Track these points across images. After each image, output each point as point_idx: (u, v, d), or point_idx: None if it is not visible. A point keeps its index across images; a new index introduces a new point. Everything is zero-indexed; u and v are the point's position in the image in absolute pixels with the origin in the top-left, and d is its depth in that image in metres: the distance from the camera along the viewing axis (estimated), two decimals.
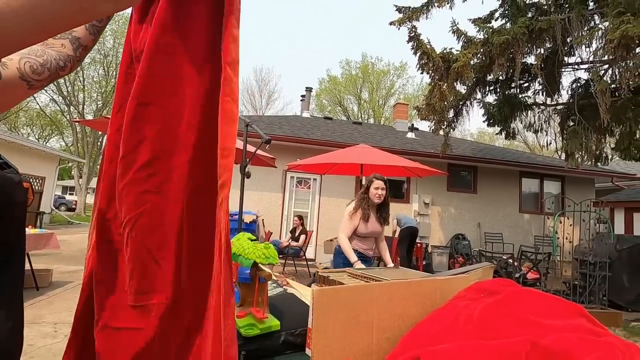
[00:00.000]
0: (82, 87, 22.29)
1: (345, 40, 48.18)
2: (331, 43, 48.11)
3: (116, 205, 0.74)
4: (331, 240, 6.71)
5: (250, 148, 4.57)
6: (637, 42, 4.26)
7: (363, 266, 2.70)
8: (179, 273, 0.72)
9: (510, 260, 6.35)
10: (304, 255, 6.93)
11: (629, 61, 4.40)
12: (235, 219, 9.54)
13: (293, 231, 7.45)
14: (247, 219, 8.30)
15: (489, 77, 6.25)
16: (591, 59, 5.53)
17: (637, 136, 6.44)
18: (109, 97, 21.83)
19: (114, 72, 21.39)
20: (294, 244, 6.87)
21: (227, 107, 0.64)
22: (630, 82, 4.68)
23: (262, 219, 8.81)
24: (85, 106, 22.91)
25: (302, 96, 14.49)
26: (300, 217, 7.40)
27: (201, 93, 0.71)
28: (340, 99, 28.47)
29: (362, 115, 27.89)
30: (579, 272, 5.95)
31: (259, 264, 1.23)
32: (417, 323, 0.65)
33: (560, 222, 7.87)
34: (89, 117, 21.45)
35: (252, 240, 1.31)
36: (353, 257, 2.72)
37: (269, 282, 1.39)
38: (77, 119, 21.17)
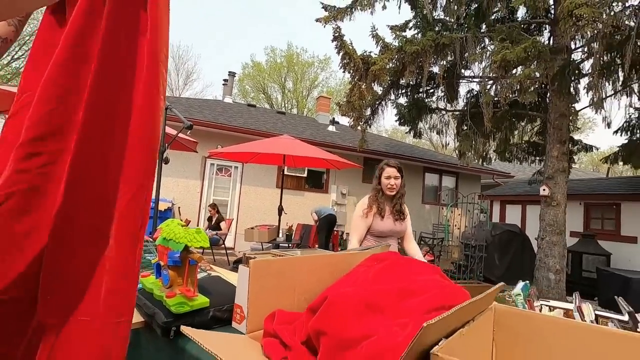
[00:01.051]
0: None
1: (271, 28, 47.29)
2: (256, 28, 46.76)
3: None
4: (252, 228, 6.78)
5: (171, 132, 4.38)
6: (513, 65, 5.20)
7: None
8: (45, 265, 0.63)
9: None
10: (224, 244, 6.88)
11: (507, 80, 5.34)
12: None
13: (210, 219, 7.31)
14: (162, 206, 7.85)
15: (402, 81, 6.93)
16: (481, 74, 6.52)
17: (511, 142, 7.84)
18: None
19: None
20: (211, 233, 6.76)
21: (156, 101, 0.64)
22: (507, 97, 5.69)
23: (179, 207, 8.41)
24: None
25: (225, 80, 13.98)
26: (214, 206, 7.29)
27: (113, 84, 0.66)
28: (264, 86, 28.03)
29: (286, 105, 27.94)
30: (464, 254, 7.09)
31: (190, 248, 1.32)
32: (329, 286, 0.85)
33: (452, 212, 9.19)
34: None
35: (182, 226, 1.40)
36: None
37: None
38: None
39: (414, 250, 2.40)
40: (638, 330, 0.88)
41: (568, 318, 0.89)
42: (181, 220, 1.46)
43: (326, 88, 28.33)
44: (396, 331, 0.51)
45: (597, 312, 1.06)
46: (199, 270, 1.68)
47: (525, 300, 0.90)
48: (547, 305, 1.00)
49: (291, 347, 0.58)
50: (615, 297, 1.05)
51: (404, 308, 0.58)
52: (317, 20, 6.44)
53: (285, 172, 8.43)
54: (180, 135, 4.30)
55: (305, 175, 9.89)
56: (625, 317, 0.99)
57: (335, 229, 7.95)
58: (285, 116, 13.68)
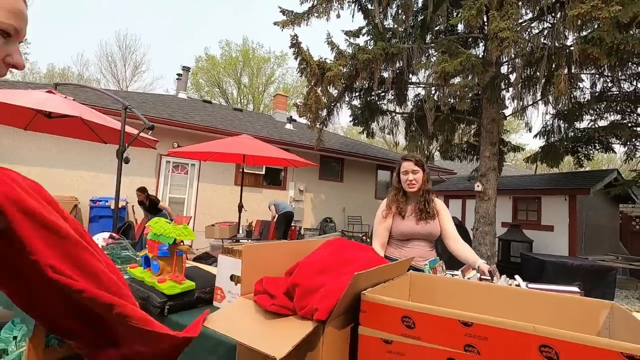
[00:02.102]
0: None
1: (225, 21, 46.01)
2: (210, 20, 45.27)
3: None
4: (213, 225, 6.89)
5: (130, 131, 4.42)
6: (451, 75, 5.86)
7: None
8: None
9: (364, 237, 7.78)
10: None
11: (445, 88, 6.00)
12: (100, 205, 8.65)
13: (142, 204, 6.76)
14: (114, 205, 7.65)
15: (355, 85, 7.40)
16: (426, 81, 7.18)
17: (452, 143, 8.68)
18: None
19: None
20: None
21: None
22: (447, 104, 6.37)
23: (132, 206, 8.23)
24: None
25: (179, 75, 13.64)
26: (143, 189, 6.63)
27: None
28: (218, 80, 27.43)
29: (242, 100, 27.59)
30: None
31: (179, 241, 1.59)
32: (296, 263, 1.18)
33: None
34: None
35: (169, 222, 1.66)
36: None
37: None
38: None
39: (462, 251, 1.98)
40: (493, 282, 1.32)
41: (455, 278, 1.31)
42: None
43: (283, 84, 28.39)
44: (341, 281, 0.85)
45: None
46: None
47: (430, 269, 1.30)
48: (450, 274, 1.41)
49: (276, 296, 0.90)
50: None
51: (345, 270, 0.92)
52: (275, 23, 6.68)
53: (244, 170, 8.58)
54: (141, 134, 4.35)
55: (263, 172, 10.09)
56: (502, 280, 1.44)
57: (292, 224, 8.28)
58: (243, 113, 13.69)
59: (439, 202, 2.16)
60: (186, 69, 13.79)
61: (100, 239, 2.54)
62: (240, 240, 6.52)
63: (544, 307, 1.04)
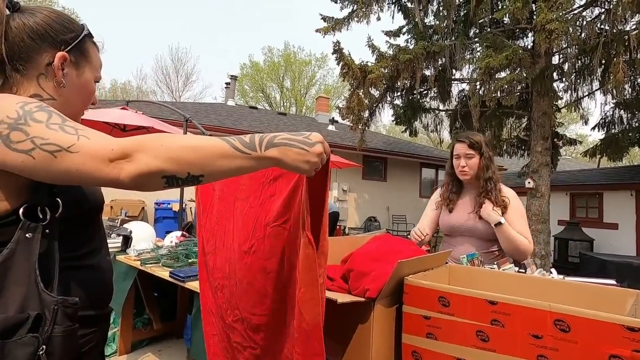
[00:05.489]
0: None
1: (266, 28, 47.54)
2: (252, 29, 47.06)
3: None
4: None
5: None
6: (496, 70, 5.73)
7: None
8: None
9: (408, 236, 7.78)
10: None
11: (491, 83, 5.87)
12: (163, 208, 9.43)
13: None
14: (175, 207, 8.40)
15: (397, 85, 7.45)
16: (470, 76, 7.05)
17: (501, 138, 8.37)
18: None
19: None
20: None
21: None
22: (493, 99, 6.22)
23: (190, 208, 8.96)
24: None
25: (227, 84, 14.48)
26: None
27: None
28: (262, 85, 28.47)
29: (285, 104, 28.39)
30: None
31: None
32: (350, 253, 1.40)
33: None
34: None
35: None
36: None
37: None
38: None
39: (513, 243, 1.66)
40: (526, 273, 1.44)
41: (490, 269, 1.44)
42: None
43: (324, 86, 28.75)
44: (388, 267, 1.05)
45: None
46: None
47: (468, 262, 1.44)
48: (489, 267, 1.53)
49: (334, 279, 1.12)
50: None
51: (392, 259, 1.12)
52: (316, 30, 6.96)
53: None
54: None
55: None
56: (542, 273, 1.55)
57: (337, 224, 8.51)
58: (287, 117, 14.20)
59: (509, 193, 1.77)
60: (234, 77, 14.60)
61: (174, 237, 2.96)
62: None
63: (573, 294, 1.16)
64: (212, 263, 1.22)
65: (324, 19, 7.04)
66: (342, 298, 1.00)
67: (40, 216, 0.64)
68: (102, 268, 0.82)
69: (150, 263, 2.28)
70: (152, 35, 41.64)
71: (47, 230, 0.65)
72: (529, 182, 6.63)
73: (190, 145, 0.61)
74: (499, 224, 1.63)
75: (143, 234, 2.65)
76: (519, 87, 6.54)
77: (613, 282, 1.37)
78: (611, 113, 7.22)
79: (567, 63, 5.88)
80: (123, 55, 41.73)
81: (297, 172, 0.74)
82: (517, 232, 1.65)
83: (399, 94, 8.09)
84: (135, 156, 0.57)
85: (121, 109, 4.93)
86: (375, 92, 7.27)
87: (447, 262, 1.39)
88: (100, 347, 0.83)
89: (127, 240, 2.67)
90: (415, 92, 8.00)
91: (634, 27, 4.67)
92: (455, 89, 8.22)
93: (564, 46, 5.53)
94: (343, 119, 7.40)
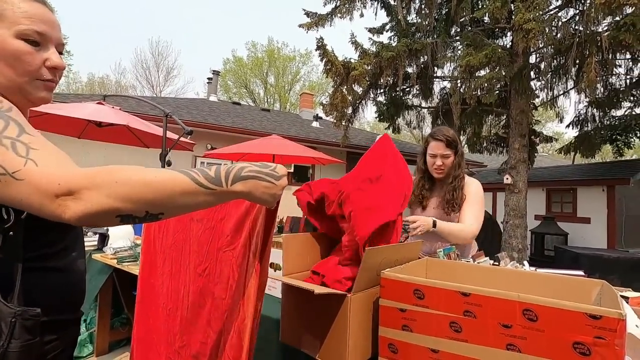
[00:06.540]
0: None
1: (249, 22, 46.92)
2: (236, 22, 46.35)
3: None
4: None
5: (171, 136, 4.83)
6: (476, 68, 5.85)
7: None
8: None
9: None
10: None
11: (471, 81, 5.98)
12: None
13: None
14: None
15: (380, 82, 7.50)
16: (451, 74, 7.17)
17: (481, 135, 8.57)
18: None
19: None
20: None
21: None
22: (473, 97, 6.35)
23: None
24: None
25: (210, 79, 14.23)
26: None
27: None
28: (246, 81, 28.15)
29: (269, 100, 28.16)
30: None
31: None
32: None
33: None
34: None
35: None
36: None
37: None
38: None
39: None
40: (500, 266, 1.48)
41: (466, 262, 1.48)
42: None
43: (308, 82, 28.67)
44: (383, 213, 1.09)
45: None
46: None
47: (444, 255, 1.48)
48: (465, 260, 1.58)
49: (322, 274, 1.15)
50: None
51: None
52: (300, 26, 6.92)
53: None
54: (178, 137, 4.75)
55: (292, 170, 10.40)
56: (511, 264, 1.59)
57: None
58: (270, 113, 14.08)
59: (470, 184, 1.75)
60: (216, 72, 14.35)
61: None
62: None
63: (543, 285, 1.20)
64: (168, 284, 1.19)
65: (308, 14, 7.01)
66: (318, 289, 1.01)
67: (5, 217, 0.59)
68: (72, 269, 0.77)
69: (128, 261, 2.23)
70: (132, 28, 40.44)
71: (10, 233, 0.60)
72: (507, 178, 6.81)
73: (148, 182, 0.55)
74: (434, 226, 1.61)
75: (120, 232, 2.58)
76: (498, 86, 6.69)
77: (581, 273, 1.43)
78: (584, 111, 7.50)
79: (543, 62, 6.06)
80: (101, 48, 40.38)
81: (261, 204, 0.74)
82: (451, 223, 1.65)
83: (382, 90, 8.15)
84: (83, 194, 0.50)
85: (97, 103, 4.78)
86: (358, 89, 7.30)
87: (423, 256, 1.42)
88: (68, 352, 0.78)
89: (103, 238, 2.60)
90: (398, 89, 8.08)
91: (606, 28, 4.84)
92: (437, 86, 8.36)
93: (541, 46, 5.68)
94: (327, 116, 7.41)
